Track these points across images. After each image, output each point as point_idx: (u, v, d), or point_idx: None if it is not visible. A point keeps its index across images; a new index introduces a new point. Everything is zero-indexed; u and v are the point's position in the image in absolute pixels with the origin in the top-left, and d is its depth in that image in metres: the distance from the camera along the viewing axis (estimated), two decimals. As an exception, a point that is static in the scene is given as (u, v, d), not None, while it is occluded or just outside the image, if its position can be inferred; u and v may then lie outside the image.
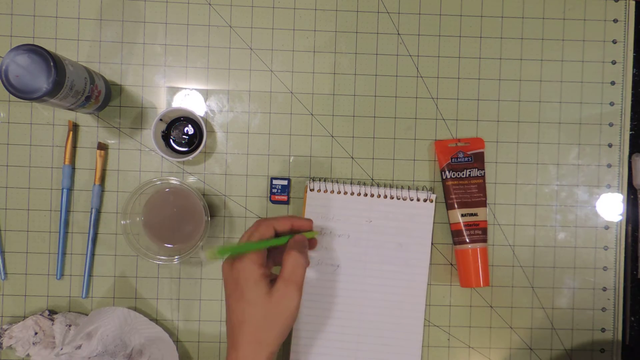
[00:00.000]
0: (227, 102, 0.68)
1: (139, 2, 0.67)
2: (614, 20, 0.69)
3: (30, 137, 0.67)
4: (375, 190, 0.67)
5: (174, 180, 0.63)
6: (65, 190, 0.66)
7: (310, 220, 0.58)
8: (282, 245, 0.57)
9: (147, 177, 0.67)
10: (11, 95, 0.58)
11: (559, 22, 0.69)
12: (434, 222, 0.68)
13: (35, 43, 0.58)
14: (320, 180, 0.67)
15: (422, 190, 0.68)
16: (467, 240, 0.66)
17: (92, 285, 0.67)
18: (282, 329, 0.53)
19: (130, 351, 0.65)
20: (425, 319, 0.68)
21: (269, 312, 0.52)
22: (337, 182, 0.68)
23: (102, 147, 0.67)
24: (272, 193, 0.67)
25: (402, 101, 0.68)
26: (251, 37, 0.68)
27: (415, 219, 0.67)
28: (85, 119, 0.67)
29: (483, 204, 0.67)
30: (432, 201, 0.67)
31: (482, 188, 0.67)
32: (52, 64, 0.52)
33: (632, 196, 0.70)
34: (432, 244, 0.68)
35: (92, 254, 0.67)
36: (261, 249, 0.54)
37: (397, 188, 0.68)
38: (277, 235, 0.57)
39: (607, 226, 0.69)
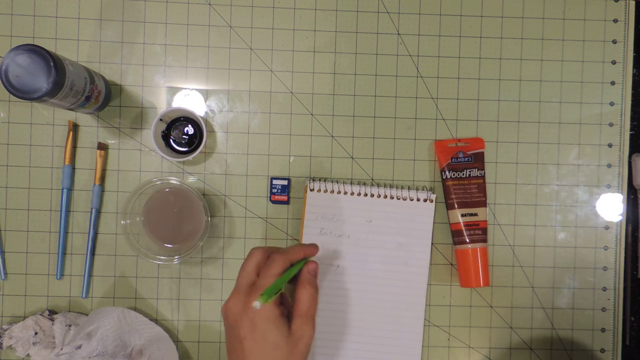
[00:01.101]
0: (227, 102, 0.68)
1: (139, 2, 0.67)
2: (614, 20, 0.69)
3: (30, 137, 0.67)
4: (375, 190, 0.67)
5: (174, 180, 0.63)
6: (65, 190, 0.66)
7: (316, 246, 0.59)
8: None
9: (147, 177, 0.67)
10: (11, 95, 0.58)
11: (559, 22, 0.69)
12: (434, 222, 0.68)
13: (35, 43, 0.58)
14: (320, 180, 0.67)
15: (422, 190, 0.68)
16: (467, 240, 0.66)
17: (92, 285, 0.67)
18: None
19: (130, 351, 0.65)
20: (425, 319, 0.68)
21: (290, 351, 0.51)
22: (337, 182, 0.68)
23: (102, 147, 0.67)
24: (272, 193, 0.67)
25: (402, 101, 0.68)
26: (251, 37, 0.68)
27: (415, 219, 0.67)
28: (85, 119, 0.67)
29: (483, 204, 0.67)
30: (432, 201, 0.67)
31: (482, 188, 0.67)
32: (52, 64, 0.52)
33: (632, 196, 0.70)
34: (432, 244, 0.68)
35: (92, 254, 0.67)
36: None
37: (397, 188, 0.68)
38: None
39: (607, 226, 0.69)
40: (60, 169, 0.67)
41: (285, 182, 0.67)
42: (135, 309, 0.67)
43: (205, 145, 0.65)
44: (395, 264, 0.67)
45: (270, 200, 0.67)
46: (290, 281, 0.56)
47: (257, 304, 0.47)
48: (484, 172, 0.68)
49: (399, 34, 0.68)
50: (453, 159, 0.67)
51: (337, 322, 0.67)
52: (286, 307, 0.56)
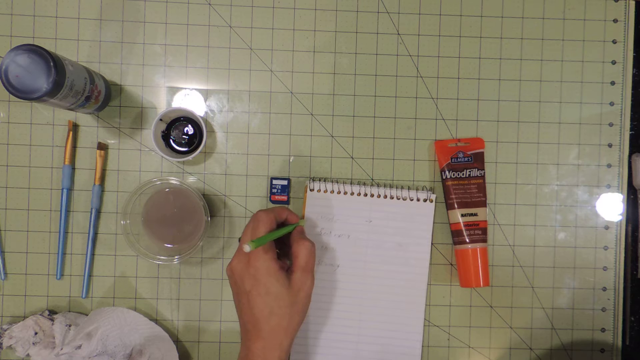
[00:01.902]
0: (227, 102, 0.68)
1: (139, 2, 0.67)
2: (614, 20, 0.69)
3: (30, 137, 0.67)
4: (375, 190, 0.67)
5: (174, 180, 0.63)
6: (65, 190, 0.66)
7: (297, 216, 0.62)
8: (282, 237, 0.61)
9: (147, 177, 0.67)
10: (11, 95, 0.58)
11: (559, 22, 0.69)
12: (434, 222, 0.68)
13: (35, 43, 0.58)
14: (320, 180, 0.67)
15: (422, 190, 0.68)
16: (467, 240, 0.66)
17: (92, 285, 0.67)
18: (304, 314, 0.57)
19: (130, 351, 0.65)
20: (425, 319, 0.68)
21: (292, 301, 0.55)
22: (337, 182, 0.68)
23: (102, 147, 0.67)
24: (272, 193, 0.67)
25: (402, 101, 0.68)
26: (251, 37, 0.68)
27: (415, 219, 0.67)
28: (85, 119, 0.67)
29: (483, 204, 0.67)
30: (432, 201, 0.67)
31: (482, 188, 0.67)
32: (52, 64, 0.52)
33: (632, 196, 0.70)
34: (432, 244, 0.68)
35: (92, 254, 0.67)
36: (272, 245, 0.57)
37: (397, 188, 0.68)
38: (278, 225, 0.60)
39: (607, 226, 0.69)
40: (60, 169, 0.67)
41: (285, 182, 0.67)
42: (135, 309, 0.67)
43: (205, 145, 0.65)
44: (395, 264, 0.67)
45: (270, 200, 0.67)
46: (285, 243, 0.61)
47: (246, 247, 0.51)
48: (484, 172, 0.68)
49: (399, 34, 0.68)
50: (453, 159, 0.67)
51: (337, 322, 0.67)
52: (286, 265, 0.60)
